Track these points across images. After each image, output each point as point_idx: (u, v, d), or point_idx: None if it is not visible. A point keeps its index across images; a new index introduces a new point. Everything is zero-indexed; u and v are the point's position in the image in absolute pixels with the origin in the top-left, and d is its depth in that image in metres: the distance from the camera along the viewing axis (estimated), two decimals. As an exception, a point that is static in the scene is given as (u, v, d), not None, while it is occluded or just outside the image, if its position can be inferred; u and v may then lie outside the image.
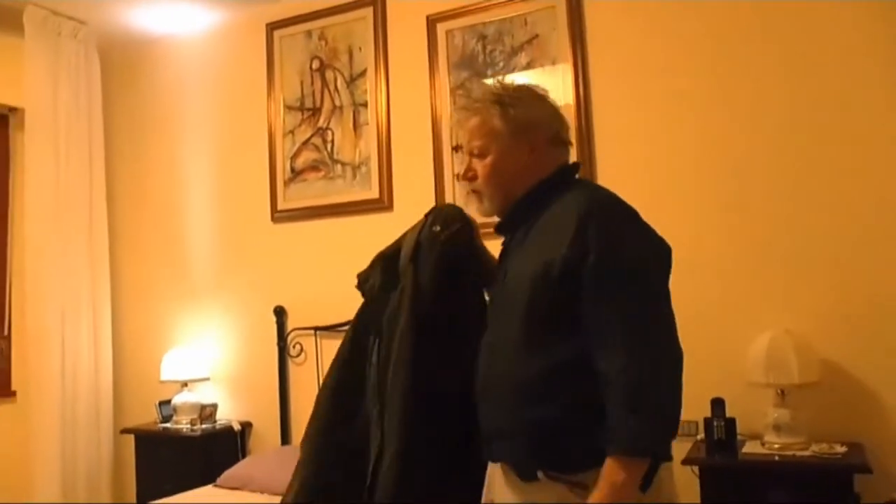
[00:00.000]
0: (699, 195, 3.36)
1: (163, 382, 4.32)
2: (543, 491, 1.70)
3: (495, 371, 1.78)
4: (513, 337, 1.74)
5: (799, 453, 2.91)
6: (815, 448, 2.92)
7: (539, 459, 1.71)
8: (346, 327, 3.90)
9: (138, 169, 4.77)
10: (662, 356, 1.66)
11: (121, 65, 4.85)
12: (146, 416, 4.50)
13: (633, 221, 1.76)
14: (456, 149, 1.79)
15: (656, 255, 1.76)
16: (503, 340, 1.78)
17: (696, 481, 3.00)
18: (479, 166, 1.87)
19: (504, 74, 3.73)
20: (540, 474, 1.70)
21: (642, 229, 1.77)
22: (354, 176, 4.10)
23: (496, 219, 1.94)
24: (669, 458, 1.70)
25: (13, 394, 4.52)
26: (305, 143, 4.25)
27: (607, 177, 3.41)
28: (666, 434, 1.65)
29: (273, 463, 3.76)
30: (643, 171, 3.44)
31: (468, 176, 1.91)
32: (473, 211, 1.98)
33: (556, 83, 3.59)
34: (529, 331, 1.72)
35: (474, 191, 1.90)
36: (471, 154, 1.88)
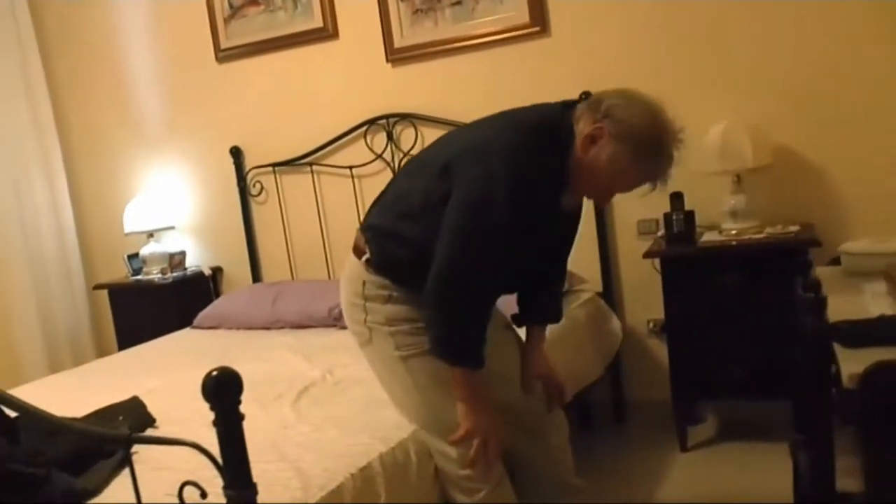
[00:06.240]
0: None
1: (128, 235, 4.30)
2: None
3: None
4: None
5: (754, 237, 3.00)
6: (769, 230, 3.00)
7: None
8: (304, 160, 3.93)
9: (71, 21, 4.56)
10: None
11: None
12: (117, 272, 4.51)
13: None
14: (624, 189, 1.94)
15: None
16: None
17: (658, 277, 3.10)
18: None
19: None
20: None
21: None
22: (296, 6, 3.95)
23: None
24: None
25: (-22, 261, 4.51)
26: (241, -24, 4.07)
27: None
28: None
29: (245, 300, 3.81)
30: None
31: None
32: (569, 204, 2.04)
33: None
34: None
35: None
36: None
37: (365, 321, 2.07)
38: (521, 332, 2.30)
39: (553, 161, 1.88)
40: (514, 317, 2.29)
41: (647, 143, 1.82)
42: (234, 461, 1.31)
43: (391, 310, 2.04)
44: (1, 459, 1.74)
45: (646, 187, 1.91)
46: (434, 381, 2.00)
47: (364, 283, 2.06)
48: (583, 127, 1.86)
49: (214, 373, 1.29)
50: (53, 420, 1.47)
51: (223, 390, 1.29)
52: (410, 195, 2.00)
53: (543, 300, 2.27)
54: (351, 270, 2.13)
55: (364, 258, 2.06)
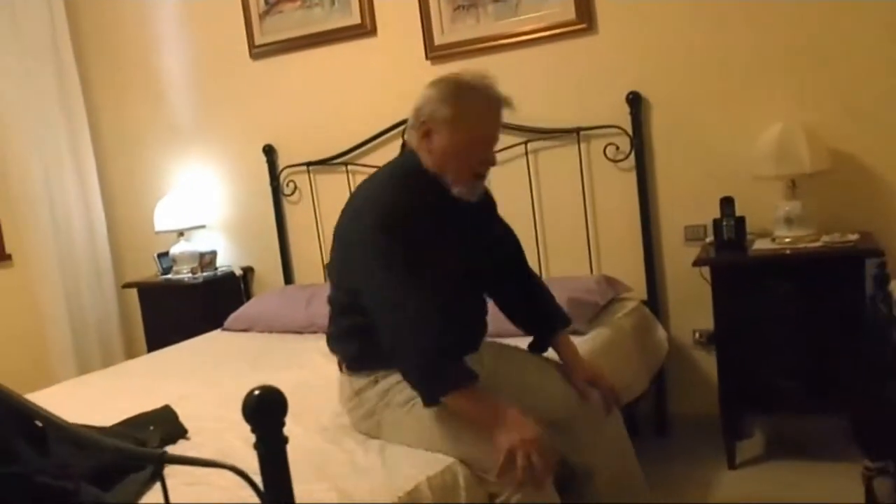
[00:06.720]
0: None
1: (158, 234, 4.23)
2: None
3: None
4: None
5: (810, 245, 2.86)
6: (826, 239, 2.86)
7: None
8: (339, 160, 3.83)
9: (104, 16, 4.50)
10: None
11: None
12: (146, 270, 4.45)
13: None
14: (484, 141, 2.03)
15: None
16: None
17: (705, 286, 2.97)
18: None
19: None
20: None
21: None
22: (333, 3, 3.86)
23: None
24: None
25: (8, 257, 4.47)
26: (277, -29, 3.99)
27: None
28: None
29: (277, 302, 3.72)
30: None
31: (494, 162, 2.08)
32: (466, 195, 2.06)
33: None
34: None
35: (484, 177, 2.08)
36: (494, 143, 2.06)
37: (367, 412, 2.10)
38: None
39: (414, 180, 2.02)
40: (531, 347, 2.32)
41: (460, 91, 1.98)
42: (276, 488, 1.20)
43: (381, 386, 2.07)
44: (29, 472, 1.66)
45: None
46: (444, 414, 1.95)
47: (350, 382, 2.14)
48: (416, 137, 2.03)
49: (256, 392, 1.19)
50: (84, 435, 1.38)
51: (265, 411, 1.19)
52: (337, 295, 2.15)
53: (539, 310, 2.31)
54: (339, 385, 2.22)
55: (343, 368, 2.18)
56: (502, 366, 2.17)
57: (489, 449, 1.84)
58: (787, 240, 2.91)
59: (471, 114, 1.98)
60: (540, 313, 2.31)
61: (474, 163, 2.02)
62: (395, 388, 2.05)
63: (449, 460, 1.90)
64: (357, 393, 2.12)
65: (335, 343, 2.20)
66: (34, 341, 4.36)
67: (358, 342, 2.10)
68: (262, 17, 4.04)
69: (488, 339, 2.32)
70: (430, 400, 1.90)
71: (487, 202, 2.27)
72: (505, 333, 2.37)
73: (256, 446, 1.20)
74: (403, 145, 2.14)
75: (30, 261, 4.32)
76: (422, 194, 2.00)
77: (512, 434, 1.81)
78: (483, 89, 2.00)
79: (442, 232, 2.02)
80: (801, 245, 2.86)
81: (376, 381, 2.08)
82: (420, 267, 1.91)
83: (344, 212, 2.08)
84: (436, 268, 1.94)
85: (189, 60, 4.30)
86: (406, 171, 2.06)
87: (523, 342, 2.36)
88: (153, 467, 1.68)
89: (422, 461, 1.89)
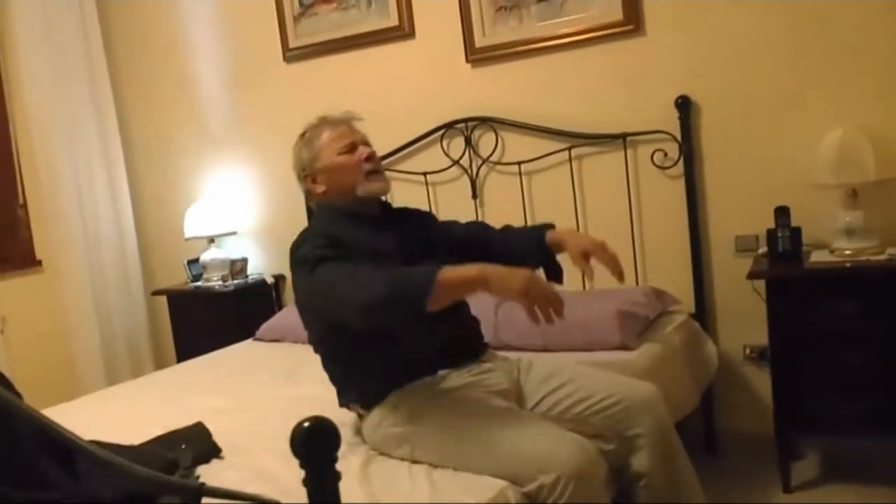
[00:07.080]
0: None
1: (188, 240, 4.15)
2: None
3: None
4: None
5: (873, 258, 2.71)
6: (891, 251, 2.71)
7: None
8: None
9: (137, 18, 4.44)
10: None
11: None
12: (176, 277, 4.38)
13: None
14: (350, 148, 2.24)
15: None
16: None
17: (762, 302, 2.83)
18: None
19: None
20: None
21: None
22: (370, 4, 3.76)
23: None
24: None
25: (39, 263, 4.41)
26: (312, -28, 3.89)
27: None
28: None
29: (311, 312, 3.62)
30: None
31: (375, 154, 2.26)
32: (375, 188, 2.23)
33: None
34: None
35: (378, 171, 2.24)
36: (364, 143, 2.26)
37: (397, 440, 2.05)
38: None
39: (331, 219, 2.21)
40: (548, 274, 2.31)
41: (306, 134, 2.29)
42: (327, 530, 1.09)
43: (403, 412, 2.05)
44: (57, 499, 1.57)
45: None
46: (475, 431, 1.94)
47: (370, 419, 2.12)
48: (310, 190, 2.28)
49: (306, 423, 1.08)
50: (117, 464, 1.28)
51: (316, 445, 1.08)
52: (321, 351, 2.25)
53: (526, 237, 2.35)
54: (363, 431, 2.16)
55: (359, 413, 2.18)
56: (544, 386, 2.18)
57: (525, 458, 1.81)
58: (848, 252, 2.76)
59: (324, 139, 2.23)
60: (528, 239, 2.34)
61: (349, 168, 2.19)
62: (417, 411, 2.03)
63: (500, 484, 1.80)
64: (380, 424, 2.08)
65: (345, 397, 2.22)
66: (63, 348, 4.31)
67: (359, 374, 2.14)
68: (296, 19, 3.95)
69: (525, 357, 2.33)
70: (419, 312, 1.85)
71: (418, 216, 2.43)
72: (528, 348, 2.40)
73: (305, 483, 1.09)
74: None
75: (59, 267, 4.27)
76: (341, 224, 2.16)
77: (509, 283, 1.81)
78: (321, 121, 2.30)
79: (368, 244, 2.10)
80: (864, 258, 2.71)
81: (396, 407, 2.06)
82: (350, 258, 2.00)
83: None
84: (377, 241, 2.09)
85: (221, 63, 4.23)
86: (319, 218, 2.27)
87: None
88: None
89: (472, 486, 1.79)
